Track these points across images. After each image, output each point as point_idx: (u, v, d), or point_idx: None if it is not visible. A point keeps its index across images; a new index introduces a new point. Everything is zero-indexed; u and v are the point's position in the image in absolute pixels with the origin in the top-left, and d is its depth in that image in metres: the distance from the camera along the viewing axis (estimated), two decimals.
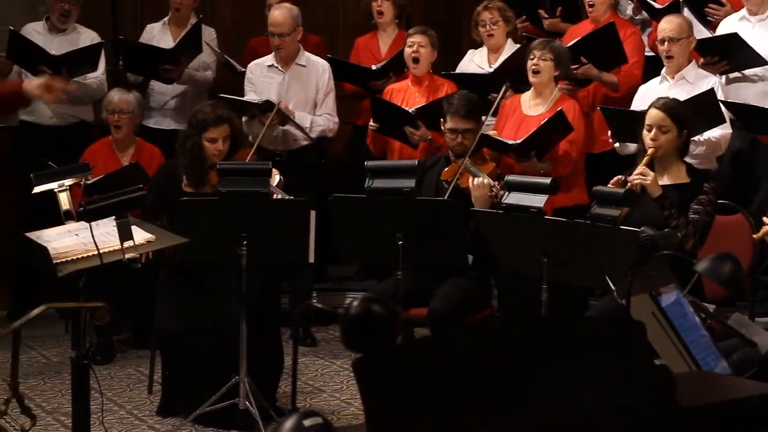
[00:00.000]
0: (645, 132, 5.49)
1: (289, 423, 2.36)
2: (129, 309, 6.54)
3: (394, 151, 7.08)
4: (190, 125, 5.95)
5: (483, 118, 6.26)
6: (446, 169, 6.14)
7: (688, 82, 6.33)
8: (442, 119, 6.22)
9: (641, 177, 5.35)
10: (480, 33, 7.21)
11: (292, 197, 5.78)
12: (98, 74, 7.48)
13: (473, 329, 3.48)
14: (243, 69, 7.41)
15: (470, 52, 7.45)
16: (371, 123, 7.05)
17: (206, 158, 5.84)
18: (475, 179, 5.90)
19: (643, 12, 7.23)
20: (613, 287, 4.66)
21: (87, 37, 7.54)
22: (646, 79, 6.68)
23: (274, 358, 5.80)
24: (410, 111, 6.81)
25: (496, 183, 5.84)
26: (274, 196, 5.64)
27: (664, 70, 6.41)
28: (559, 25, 7.37)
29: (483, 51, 7.30)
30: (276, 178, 5.81)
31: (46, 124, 7.50)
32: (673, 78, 6.36)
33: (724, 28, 6.66)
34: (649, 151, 5.44)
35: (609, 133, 6.41)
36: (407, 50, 7.01)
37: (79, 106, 7.53)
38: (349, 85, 7.70)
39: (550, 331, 2.71)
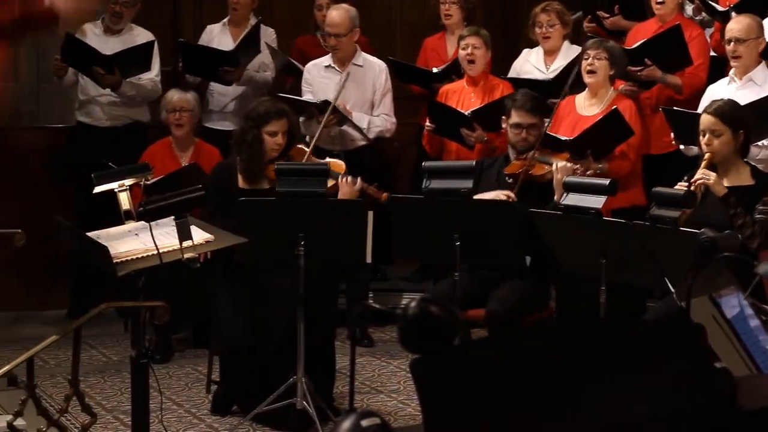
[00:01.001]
0: (700, 137, 5.46)
1: (346, 423, 2.36)
2: (187, 308, 6.58)
3: (451, 152, 7.07)
4: (249, 119, 5.96)
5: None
6: (511, 164, 6.11)
7: (756, 84, 6.23)
8: (504, 116, 6.20)
9: (704, 177, 5.30)
10: (536, 34, 7.20)
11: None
12: (153, 75, 7.54)
13: (530, 330, 3.47)
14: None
15: (525, 51, 7.43)
16: (427, 124, 7.05)
17: (265, 152, 5.87)
18: (558, 163, 5.86)
19: (704, 12, 7.16)
20: (672, 289, 4.63)
21: (143, 37, 7.58)
22: (708, 81, 6.61)
23: (330, 358, 5.82)
24: (466, 113, 6.80)
25: (577, 165, 5.82)
26: (342, 180, 5.74)
27: (732, 71, 6.33)
28: (621, 23, 7.33)
29: (539, 51, 7.28)
30: (342, 170, 5.90)
31: (101, 126, 7.57)
32: (741, 79, 6.28)
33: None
34: (706, 156, 5.40)
35: (672, 135, 6.34)
36: (461, 52, 7.00)
37: (134, 107, 7.60)
38: (416, 86, 7.70)
39: (608, 332, 2.69)
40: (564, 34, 7.20)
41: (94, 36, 7.52)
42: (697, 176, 5.32)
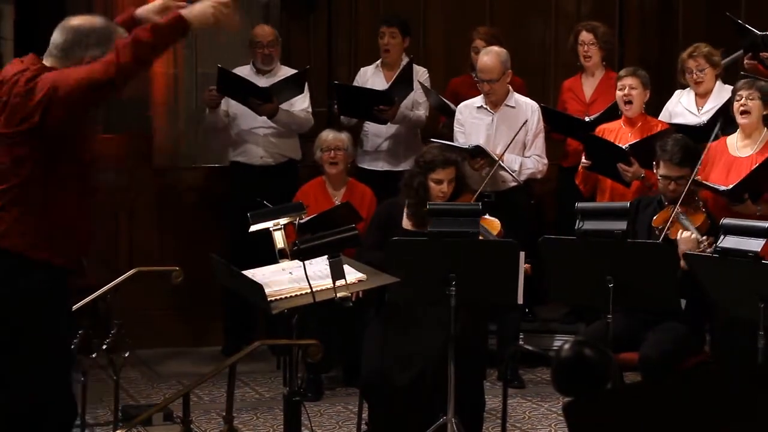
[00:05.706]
0: None
1: None
2: (339, 346, 6.62)
3: (605, 190, 7.00)
4: (417, 164, 6.03)
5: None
6: (657, 216, 6.02)
7: None
8: (654, 162, 6.13)
9: None
10: (687, 79, 7.12)
11: None
12: (305, 106, 7.70)
13: (686, 375, 3.40)
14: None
15: (677, 92, 7.34)
16: (583, 160, 7.00)
17: (430, 199, 5.90)
18: (683, 232, 5.78)
19: None
20: None
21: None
22: None
23: (479, 398, 5.78)
24: (624, 147, 6.73)
25: (705, 238, 5.71)
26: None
27: None
28: None
29: (690, 93, 7.19)
30: (496, 230, 5.86)
31: (257, 164, 7.72)
32: None
33: None
34: None
35: None
36: (618, 93, 6.96)
37: (288, 141, 7.73)
38: (568, 137, 7.68)
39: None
40: (715, 75, 7.10)
41: (245, 76, 7.66)
42: None
